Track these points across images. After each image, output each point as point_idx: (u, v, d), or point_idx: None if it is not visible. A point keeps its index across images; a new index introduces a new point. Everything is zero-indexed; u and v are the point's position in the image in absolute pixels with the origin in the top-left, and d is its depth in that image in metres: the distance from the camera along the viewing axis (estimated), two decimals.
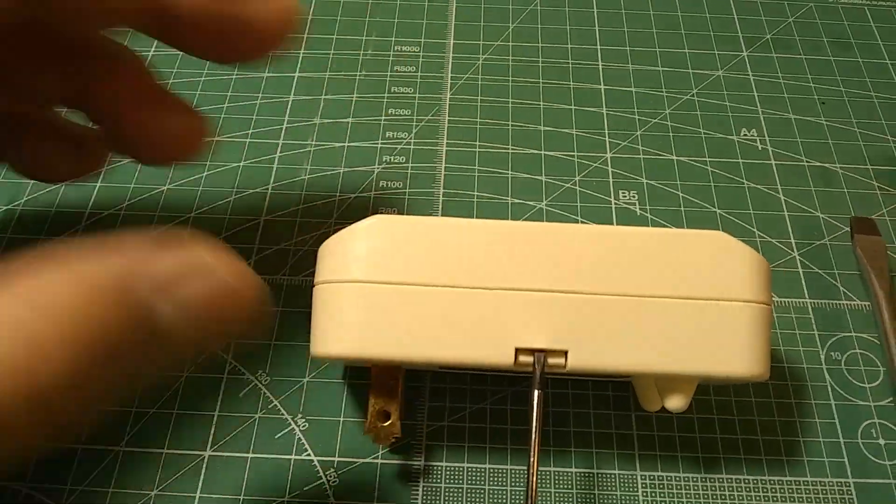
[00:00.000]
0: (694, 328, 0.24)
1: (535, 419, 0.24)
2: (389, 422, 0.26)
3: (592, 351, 0.24)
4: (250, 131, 0.36)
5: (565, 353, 0.24)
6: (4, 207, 0.33)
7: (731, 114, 0.38)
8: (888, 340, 0.30)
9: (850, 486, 0.28)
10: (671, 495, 0.27)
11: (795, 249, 0.33)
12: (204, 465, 0.27)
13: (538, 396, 0.24)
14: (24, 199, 0.34)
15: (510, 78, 0.39)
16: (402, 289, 0.24)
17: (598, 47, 0.40)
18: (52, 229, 0.33)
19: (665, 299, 0.24)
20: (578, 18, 0.42)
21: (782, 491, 0.27)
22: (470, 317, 0.24)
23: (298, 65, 0.39)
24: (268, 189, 0.34)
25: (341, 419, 0.28)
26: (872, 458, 0.28)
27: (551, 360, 0.24)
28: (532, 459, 0.23)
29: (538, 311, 0.24)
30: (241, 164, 0.35)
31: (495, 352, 0.24)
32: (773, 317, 0.25)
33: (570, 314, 0.24)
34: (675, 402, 0.25)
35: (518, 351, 0.24)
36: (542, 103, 0.38)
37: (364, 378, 0.29)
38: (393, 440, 0.26)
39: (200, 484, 0.27)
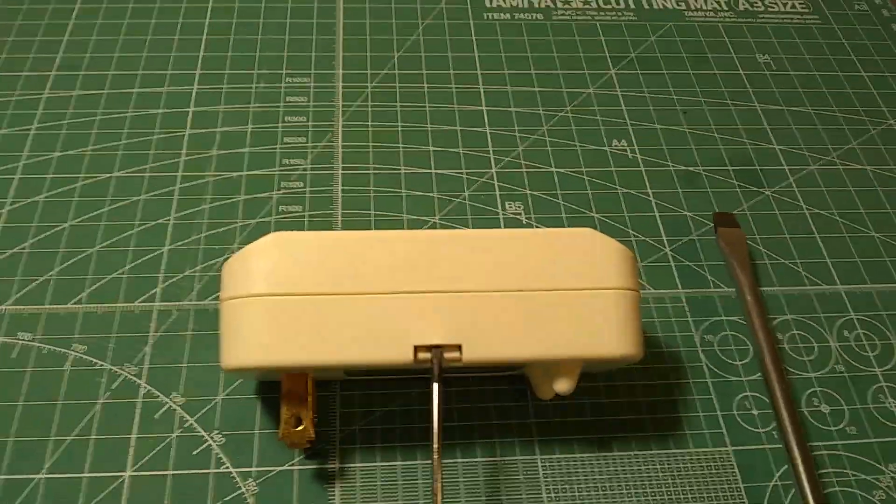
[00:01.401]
0: (571, 316, 0.26)
1: (436, 410, 0.26)
2: (302, 427, 0.27)
3: (484, 343, 0.26)
4: (148, 165, 0.37)
5: (459, 347, 0.26)
6: None
7: (603, 127, 0.41)
8: (753, 322, 0.33)
9: (729, 453, 0.31)
10: (570, 475, 0.30)
11: (667, 246, 0.36)
12: (125, 486, 0.28)
13: (438, 389, 0.26)
14: None
15: (398, 103, 0.41)
16: (303, 299, 0.26)
17: (479, 72, 0.43)
18: None
19: (544, 292, 0.26)
20: (458, 46, 0.44)
21: (669, 462, 0.30)
22: (369, 320, 0.26)
23: (192, 99, 0.40)
24: (169, 220, 0.35)
25: (256, 432, 0.30)
26: (748, 427, 0.31)
27: (448, 355, 0.26)
28: (435, 446, 0.25)
29: (432, 311, 0.26)
30: (142, 197, 0.36)
31: (396, 351, 0.26)
32: (640, 302, 0.28)
33: (462, 311, 0.26)
34: (563, 385, 0.27)
35: (417, 348, 0.26)
36: (429, 126, 0.40)
37: (276, 392, 0.30)
38: (307, 444, 0.28)
39: (124, 503, 0.28)
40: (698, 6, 0.49)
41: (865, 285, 0.36)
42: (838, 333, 0.34)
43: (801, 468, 0.29)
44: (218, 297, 0.33)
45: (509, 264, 0.27)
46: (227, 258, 0.33)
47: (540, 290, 0.26)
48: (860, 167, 0.40)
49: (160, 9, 0.45)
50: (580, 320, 0.26)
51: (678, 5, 0.48)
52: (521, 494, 0.29)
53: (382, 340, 0.26)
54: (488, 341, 0.26)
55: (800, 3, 0.50)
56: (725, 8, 0.49)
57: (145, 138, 0.38)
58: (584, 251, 0.27)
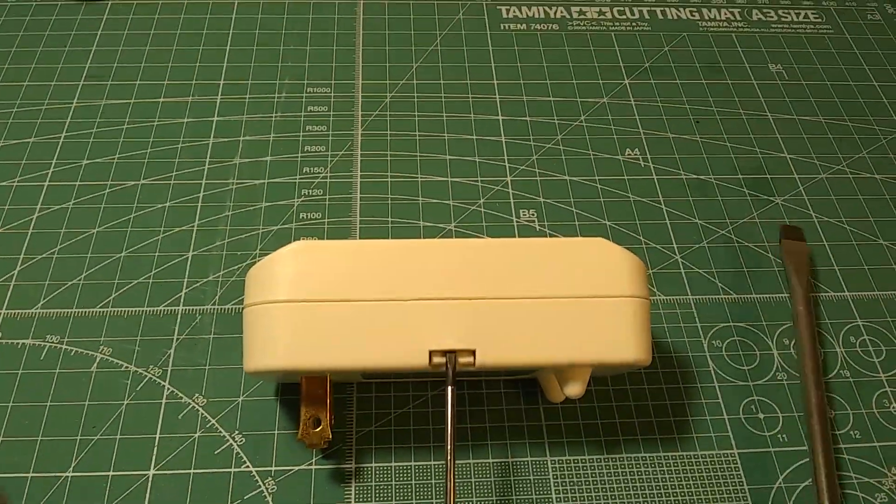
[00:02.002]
0: (582, 323, 0.27)
1: (449, 413, 0.27)
2: (321, 427, 0.28)
3: (497, 348, 0.27)
4: (173, 173, 0.38)
5: (473, 352, 0.27)
6: None
7: (616, 136, 0.42)
8: (800, 330, 0.34)
9: (735, 456, 0.31)
10: (578, 476, 0.30)
11: (678, 253, 0.37)
12: (149, 484, 0.29)
13: (451, 392, 0.27)
14: None
15: (416, 113, 0.42)
16: (324, 305, 0.27)
17: (495, 82, 0.44)
18: None
19: (556, 299, 0.27)
20: (475, 56, 0.45)
21: (676, 465, 0.31)
22: (387, 326, 0.27)
23: (216, 109, 0.41)
24: (194, 226, 0.37)
25: (276, 432, 0.31)
26: (754, 431, 0.32)
27: (462, 360, 0.27)
28: (448, 447, 0.26)
29: (447, 317, 0.27)
30: (167, 204, 0.37)
31: (412, 355, 0.27)
32: (650, 310, 0.28)
33: (476, 317, 0.27)
34: (574, 389, 0.28)
35: (432, 353, 0.27)
36: (446, 135, 0.41)
37: (295, 394, 0.31)
38: (325, 445, 0.29)
39: (147, 501, 0.29)
40: (712, 16, 0.49)
41: (872, 292, 0.36)
42: (844, 340, 0.35)
43: (822, 474, 0.30)
44: (240, 301, 0.34)
45: (522, 272, 0.27)
46: (251, 264, 0.34)
47: (552, 298, 0.27)
48: (870, 176, 0.41)
49: (185, 20, 0.46)
50: (591, 327, 0.27)
51: (692, 16, 0.49)
52: (530, 495, 0.30)
53: (399, 345, 0.27)
54: (501, 347, 0.27)
55: (812, 14, 0.50)
56: (739, 18, 0.49)
57: (171, 147, 0.40)
58: (595, 260, 0.28)
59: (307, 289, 0.27)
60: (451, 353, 0.27)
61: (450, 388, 0.27)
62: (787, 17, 0.50)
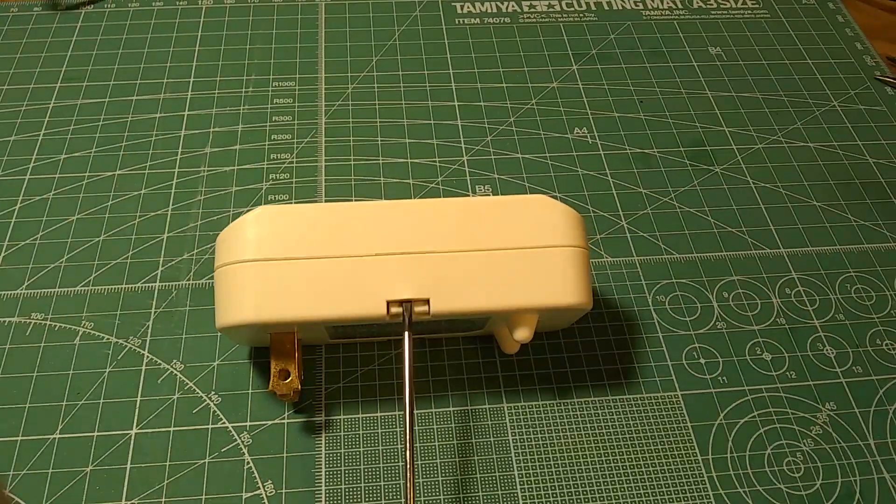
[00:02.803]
0: (526, 271, 0.29)
1: (407, 357, 0.29)
2: (290, 379, 0.30)
3: (449, 297, 0.29)
4: (147, 164, 0.41)
5: (428, 301, 0.29)
6: None
7: (566, 117, 0.45)
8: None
9: (678, 397, 0.34)
10: (533, 420, 0.33)
11: (623, 219, 0.40)
12: (132, 442, 0.31)
13: (408, 338, 0.29)
14: None
15: (377, 102, 0.45)
16: (288, 263, 0.29)
17: (451, 71, 0.47)
18: None
19: (502, 251, 0.30)
20: (432, 49, 0.48)
21: (624, 406, 0.33)
22: (347, 280, 0.29)
23: (187, 104, 0.44)
24: (168, 210, 0.39)
25: (250, 391, 0.33)
26: (695, 374, 0.34)
27: (417, 308, 0.29)
28: (406, 388, 0.28)
29: (402, 270, 0.29)
30: (142, 191, 0.39)
31: (371, 306, 0.29)
32: (588, 259, 0.31)
33: (429, 269, 0.29)
34: (522, 334, 0.30)
35: (389, 303, 0.29)
36: (405, 121, 0.44)
37: (266, 357, 0.34)
38: (295, 397, 0.31)
39: (130, 456, 0.31)
40: (654, 5, 0.52)
41: (806, 248, 0.39)
42: (780, 291, 0.37)
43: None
44: (212, 276, 0.36)
45: (471, 227, 0.30)
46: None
47: (498, 249, 0.30)
48: (804, 144, 0.44)
49: (156, 24, 0.48)
50: (534, 275, 0.29)
51: (636, 6, 0.52)
52: (489, 438, 0.32)
53: (359, 297, 0.29)
54: (453, 295, 0.29)
55: (751, 0, 0.53)
56: (680, 6, 0.52)
57: (144, 140, 0.42)
58: (537, 214, 0.30)
59: (272, 248, 0.29)
60: (407, 303, 0.29)
61: (406, 333, 0.29)
62: (725, 4, 0.53)
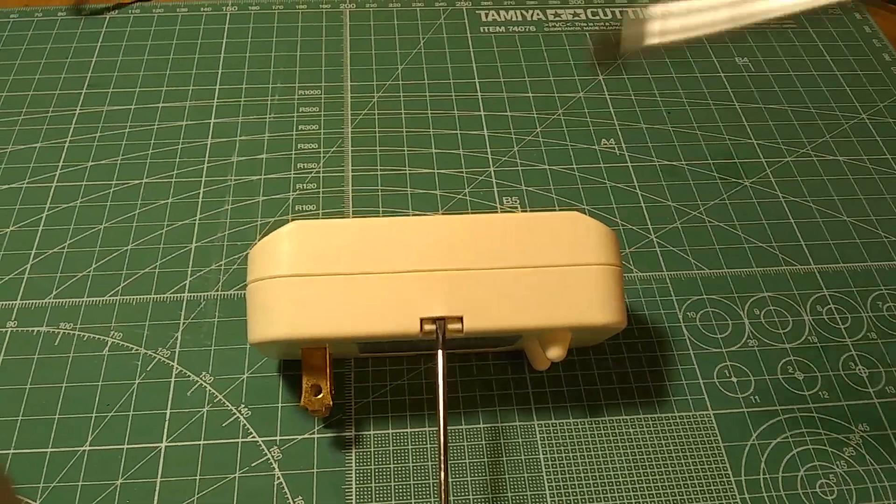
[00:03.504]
0: (561, 289, 0.29)
1: (441, 376, 0.29)
2: (322, 394, 0.30)
3: (482, 315, 0.29)
4: (174, 172, 0.41)
5: (461, 319, 0.29)
6: None
7: (592, 127, 0.44)
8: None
9: (710, 416, 0.33)
10: (564, 438, 0.32)
11: (653, 233, 0.40)
12: (162, 455, 0.31)
13: (442, 355, 0.29)
14: None
15: (402, 111, 0.45)
16: (321, 279, 0.29)
17: (476, 80, 0.47)
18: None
19: (536, 268, 0.29)
20: (457, 58, 0.48)
21: (655, 426, 0.33)
22: (380, 297, 0.29)
23: (213, 112, 0.43)
24: (195, 220, 0.39)
25: (280, 405, 0.33)
26: (727, 393, 0.34)
27: (450, 326, 0.29)
28: (440, 408, 0.28)
29: (436, 287, 0.29)
30: (170, 200, 0.39)
31: (404, 323, 0.29)
32: (622, 277, 0.31)
33: (463, 287, 0.29)
34: (555, 352, 0.30)
35: (423, 321, 0.29)
36: (431, 130, 0.44)
37: (296, 369, 0.33)
38: (326, 412, 0.31)
39: (160, 470, 0.31)
40: None
41: (837, 265, 0.39)
42: (812, 308, 0.37)
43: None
44: (241, 287, 0.36)
45: (504, 244, 0.30)
46: (253, 245, 0.36)
47: (531, 267, 0.29)
48: (833, 158, 0.43)
49: (181, 31, 0.48)
50: (568, 293, 0.29)
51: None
52: (519, 456, 0.32)
53: (392, 314, 0.29)
54: (487, 313, 0.29)
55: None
56: None
57: (171, 148, 0.42)
58: (570, 231, 0.30)
59: (305, 264, 0.29)
60: (440, 321, 0.29)
61: (440, 352, 0.29)
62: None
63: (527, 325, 0.29)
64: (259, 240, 0.37)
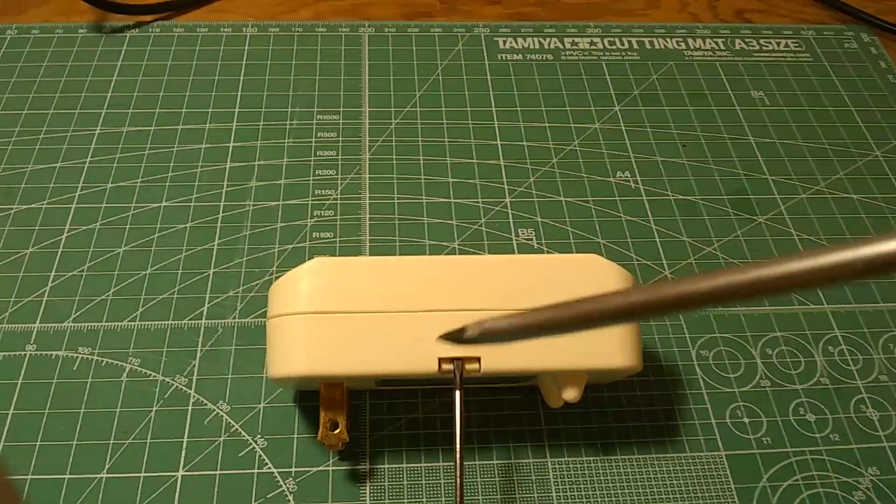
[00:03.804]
0: (577, 333, 0.29)
1: (458, 415, 0.29)
2: (339, 430, 0.30)
3: (500, 355, 0.29)
4: (193, 196, 0.41)
5: (479, 360, 0.29)
6: None
7: (608, 160, 0.45)
8: None
9: (722, 457, 0.34)
10: (577, 476, 0.33)
11: (667, 269, 0.40)
12: (178, 484, 0.31)
13: (459, 396, 0.29)
14: None
15: (420, 138, 0.45)
16: (341, 316, 0.29)
17: (493, 109, 0.47)
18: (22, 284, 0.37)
19: None
20: (474, 85, 0.48)
21: (667, 465, 0.33)
22: (399, 335, 0.29)
23: (232, 135, 0.44)
24: (214, 245, 0.39)
25: (295, 436, 0.33)
26: (739, 434, 0.34)
27: (468, 366, 0.29)
28: (457, 446, 0.29)
29: (454, 327, 0.29)
30: (188, 224, 0.40)
31: (422, 362, 0.29)
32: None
33: None
34: (571, 394, 0.30)
35: (441, 360, 0.29)
36: (448, 158, 0.44)
37: (312, 399, 0.34)
38: (342, 446, 0.31)
39: (177, 500, 0.31)
40: (697, 46, 0.52)
41: (850, 305, 0.39)
42: (823, 349, 0.37)
43: None
44: (259, 315, 0.36)
45: (523, 286, 0.30)
46: (269, 280, 0.37)
47: None
48: (847, 196, 0.44)
49: (200, 51, 0.49)
50: (585, 336, 0.29)
51: (678, 45, 0.52)
52: (532, 493, 0.32)
53: (411, 353, 0.29)
54: (504, 354, 0.29)
55: (793, 43, 0.53)
56: (722, 48, 0.52)
57: (190, 171, 0.42)
58: (589, 274, 0.30)
59: (325, 302, 0.29)
60: (458, 360, 0.29)
61: (458, 392, 0.29)
62: (768, 46, 0.53)
63: (544, 367, 0.29)
64: (277, 272, 0.37)
